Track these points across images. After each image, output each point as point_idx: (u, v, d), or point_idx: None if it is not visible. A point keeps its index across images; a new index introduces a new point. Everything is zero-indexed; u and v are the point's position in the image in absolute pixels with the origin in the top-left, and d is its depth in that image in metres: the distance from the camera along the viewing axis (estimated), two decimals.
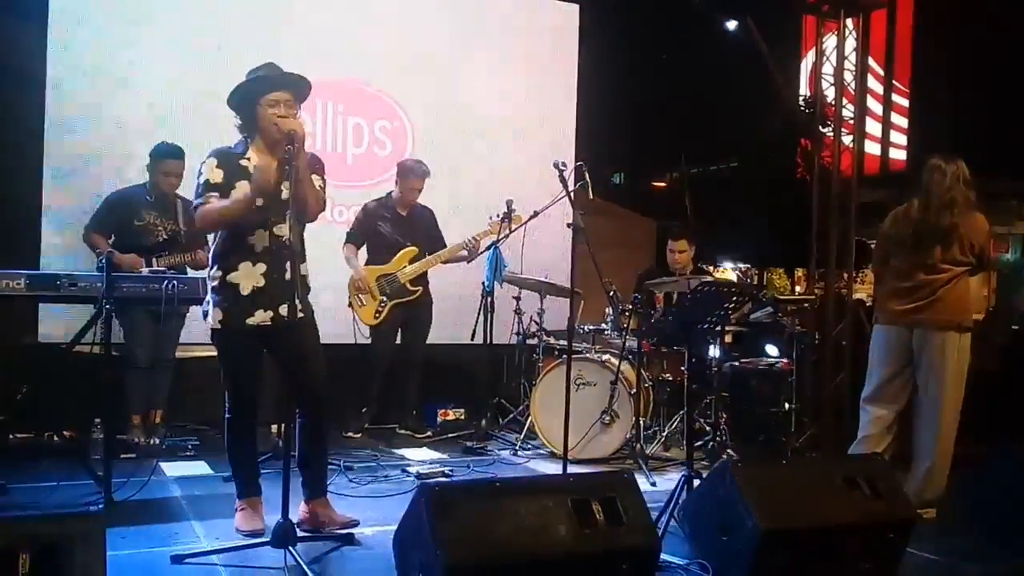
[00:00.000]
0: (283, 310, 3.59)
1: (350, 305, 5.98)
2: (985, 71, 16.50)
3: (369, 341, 6.08)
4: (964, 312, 4.51)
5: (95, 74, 5.92)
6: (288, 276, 3.53)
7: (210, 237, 3.83)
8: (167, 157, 5.35)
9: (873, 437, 4.62)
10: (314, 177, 3.70)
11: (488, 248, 6.03)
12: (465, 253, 6.06)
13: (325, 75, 6.17)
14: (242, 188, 3.56)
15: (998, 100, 16.00)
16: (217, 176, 3.59)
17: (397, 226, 6.09)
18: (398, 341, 6.19)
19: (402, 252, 6.03)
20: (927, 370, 4.50)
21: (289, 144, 3.40)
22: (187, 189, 5.40)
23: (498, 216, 5.94)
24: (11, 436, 4.99)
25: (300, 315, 3.60)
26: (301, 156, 3.45)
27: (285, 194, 3.49)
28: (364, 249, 6.15)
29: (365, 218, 6.10)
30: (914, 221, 4.53)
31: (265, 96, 3.59)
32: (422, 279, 6.11)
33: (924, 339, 4.50)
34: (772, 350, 6.49)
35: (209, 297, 3.71)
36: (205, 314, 3.72)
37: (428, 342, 6.33)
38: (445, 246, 6.14)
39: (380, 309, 5.99)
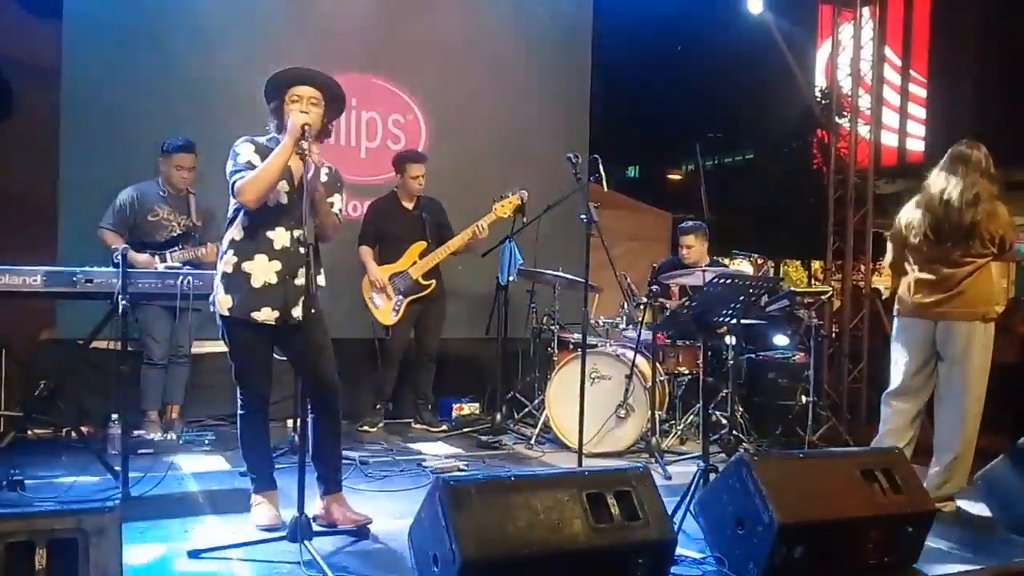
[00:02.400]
0: (295, 312, 3.59)
1: (365, 307, 5.96)
2: (1004, 59, 16.35)
3: (384, 336, 6.08)
4: (988, 303, 4.47)
5: (112, 71, 5.93)
6: (300, 280, 3.53)
7: (225, 228, 3.83)
8: (179, 151, 5.36)
9: (896, 431, 4.58)
10: (336, 197, 3.75)
11: (502, 243, 6.02)
12: (472, 238, 5.94)
13: (339, 70, 6.17)
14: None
15: (1018, 88, 15.85)
16: (256, 159, 3.63)
17: (404, 221, 6.06)
18: (411, 335, 6.18)
19: (411, 248, 6.01)
20: (951, 362, 4.46)
21: (302, 138, 3.44)
22: (200, 185, 5.44)
23: (502, 197, 5.90)
24: (29, 431, 5.02)
25: (311, 311, 3.62)
26: (316, 155, 3.47)
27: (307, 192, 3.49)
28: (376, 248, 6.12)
29: (373, 217, 6.08)
30: (936, 216, 4.45)
31: (290, 90, 3.63)
32: (434, 272, 6.07)
33: (949, 331, 4.45)
34: (780, 340, 6.45)
35: (218, 282, 3.71)
36: (212, 301, 3.73)
37: (443, 337, 6.32)
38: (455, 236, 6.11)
39: (397, 308, 5.97)
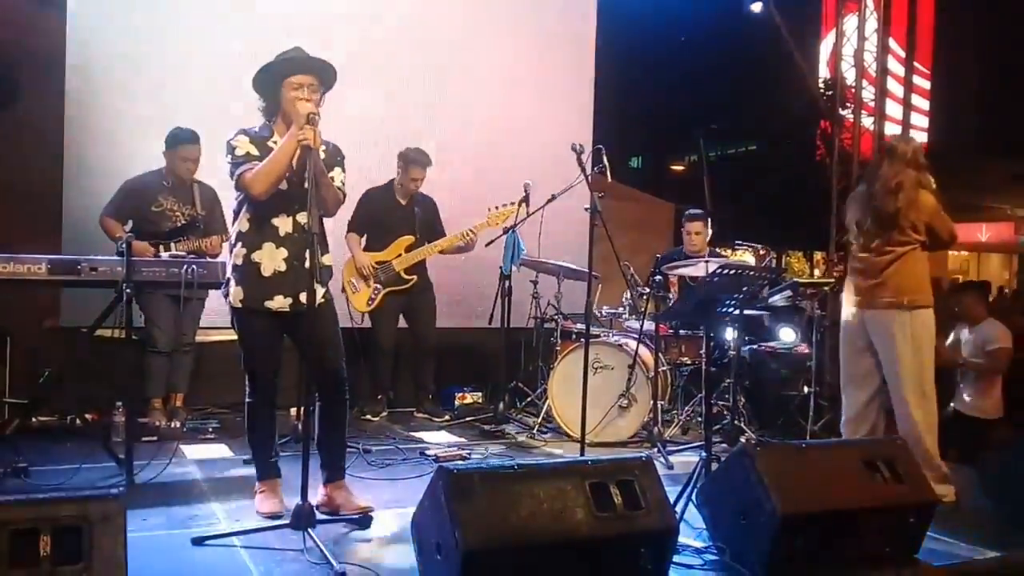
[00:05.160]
0: (303, 297, 3.60)
1: (343, 291, 5.97)
2: (1008, 51, 16.30)
3: (368, 326, 6.09)
4: (909, 291, 4.47)
5: (115, 60, 5.93)
6: (308, 264, 3.54)
7: (231, 221, 3.84)
8: (184, 142, 5.36)
9: (852, 420, 4.64)
10: (336, 171, 3.75)
11: (505, 232, 6.03)
12: (462, 244, 6.00)
13: (341, 60, 6.16)
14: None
15: (1022, 80, 15.80)
16: (253, 150, 3.63)
17: (396, 214, 6.07)
18: (404, 326, 6.19)
19: (398, 240, 6.02)
20: (881, 351, 4.52)
21: (308, 125, 3.44)
22: (203, 174, 5.44)
23: (498, 207, 5.91)
24: (34, 419, 5.04)
25: (321, 300, 3.63)
26: (317, 141, 3.47)
27: (307, 181, 3.50)
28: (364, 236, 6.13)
29: (366, 205, 6.08)
30: (862, 207, 4.58)
31: (289, 78, 3.62)
32: (418, 268, 6.08)
33: (873, 321, 4.52)
34: (788, 334, 6.46)
35: (230, 275, 3.73)
36: (226, 294, 3.75)
37: (446, 326, 6.33)
38: (444, 236, 6.11)
39: (373, 296, 5.99)
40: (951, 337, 6.34)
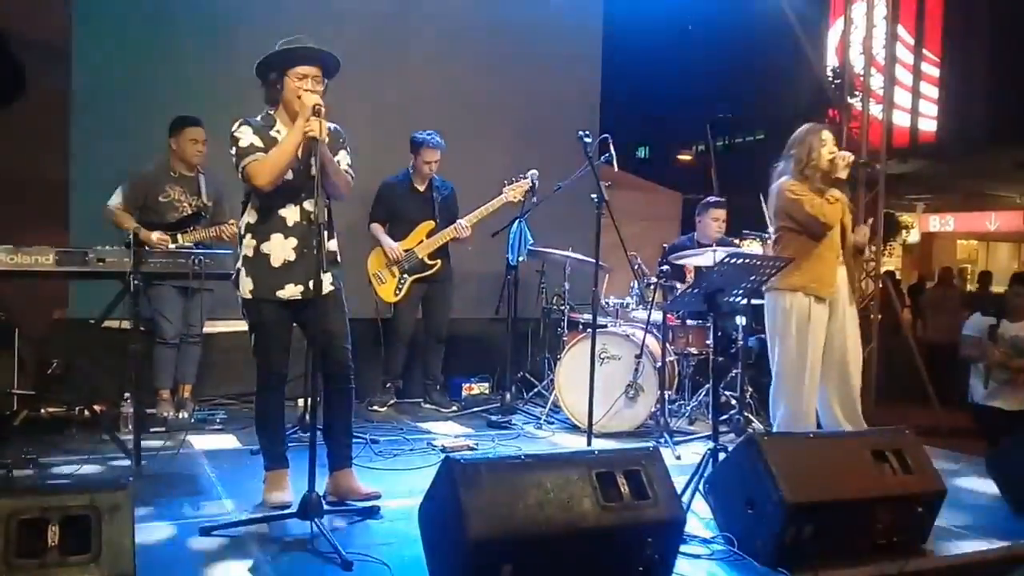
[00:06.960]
0: (313, 285, 3.61)
1: (369, 283, 5.98)
2: (1018, 39, 16.18)
3: (390, 316, 6.10)
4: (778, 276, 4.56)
5: (122, 52, 5.92)
6: (316, 254, 3.54)
7: (241, 212, 3.85)
8: (190, 125, 5.35)
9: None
10: (341, 154, 3.75)
11: (512, 222, 6.01)
12: (455, 236, 5.98)
13: (349, 51, 6.14)
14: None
15: None
16: (257, 141, 3.63)
17: (414, 201, 6.07)
18: (419, 315, 6.19)
19: (419, 227, 6.02)
20: None
21: (315, 116, 3.44)
22: (207, 164, 5.43)
23: (513, 180, 5.90)
24: (42, 410, 5.06)
25: (331, 287, 3.64)
26: (323, 133, 3.47)
27: (314, 170, 3.49)
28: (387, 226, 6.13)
29: (385, 195, 6.09)
30: None
31: (294, 68, 3.62)
32: (440, 253, 6.07)
33: None
34: None
35: (240, 266, 3.74)
36: (236, 284, 3.75)
37: (453, 317, 6.32)
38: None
39: (400, 286, 5.99)
40: (974, 326, 6.42)
